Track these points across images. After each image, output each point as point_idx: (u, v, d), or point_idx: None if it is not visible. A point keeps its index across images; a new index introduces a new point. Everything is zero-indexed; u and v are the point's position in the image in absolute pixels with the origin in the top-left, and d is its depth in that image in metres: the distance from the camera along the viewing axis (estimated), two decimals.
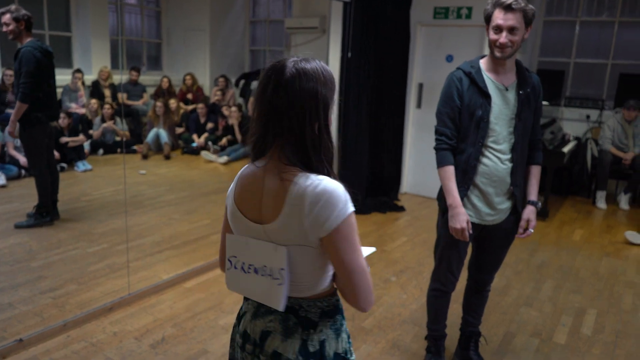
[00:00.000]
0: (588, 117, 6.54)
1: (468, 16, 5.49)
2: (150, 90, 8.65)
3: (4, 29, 4.03)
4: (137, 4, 9.26)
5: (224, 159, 7.22)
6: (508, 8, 2.10)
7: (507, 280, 3.85)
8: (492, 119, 2.23)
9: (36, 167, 4.32)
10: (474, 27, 5.46)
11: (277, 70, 1.17)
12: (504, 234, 2.43)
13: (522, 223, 2.38)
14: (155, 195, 5.52)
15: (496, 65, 2.24)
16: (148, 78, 8.88)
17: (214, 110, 8.19)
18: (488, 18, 2.19)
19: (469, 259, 2.63)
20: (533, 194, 2.40)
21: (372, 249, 1.43)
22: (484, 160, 2.27)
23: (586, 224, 5.40)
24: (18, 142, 5.85)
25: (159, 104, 7.55)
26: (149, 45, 9.52)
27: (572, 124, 6.61)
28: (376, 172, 5.69)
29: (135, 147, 7.49)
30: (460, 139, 2.30)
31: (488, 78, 2.25)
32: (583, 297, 3.62)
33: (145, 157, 7.19)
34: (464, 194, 2.30)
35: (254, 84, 8.64)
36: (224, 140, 7.67)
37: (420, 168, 6.00)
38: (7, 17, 3.98)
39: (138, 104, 8.31)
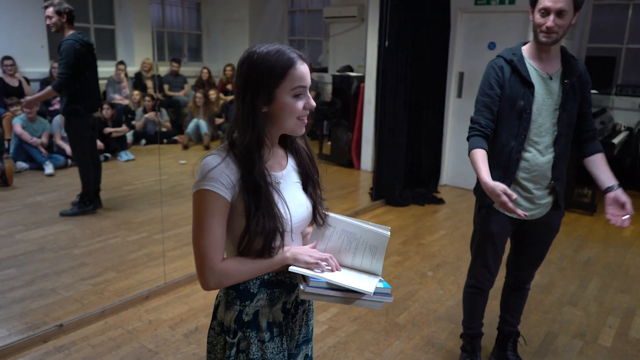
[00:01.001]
0: None
1: (512, 1, 5.27)
2: (191, 82, 8.77)
3: (47, 21, 4.13)
4: None
5: None
6: None
7: (551, 278, 3.70)
8: (535, 110, 2.10)
9: (79, 158, 4.45)
10: (518, 12, 5.24)
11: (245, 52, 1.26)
12: (544, 229, 2.31)
13: (610, 210, 2.04)
14: None
15: (540, 52, 2.11)
16: (189, 69, 9.01)
17: None
18: (534, 0, 2.04)
19: (508, 256, 2.51)
20: (611, 177, 2.10)
21: (383, 232, 1.34)
22: (525, 154, 2.15)
23: (638, 219, 5.12)
24: (65, 133, 6.05)
25: (199, 95, 7.64)
26: (190, 37, 9.64)
27: (624, 113, 6.27)
28: (414, 163, 5.57)
29: (176, 138, 7.62)
30: (500, 131, 2.17)
31: (531, 66, 2.12)
32: (632, 297, 3.44)
33: (185, 147, 7.31)
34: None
35: None
36: None
37: (460, 159, 5.84)
38: (50, 11, 4.08)
39: (179, 95, 8.45)
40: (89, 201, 4.46)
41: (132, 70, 8.07)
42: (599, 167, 2.16)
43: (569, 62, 2.13)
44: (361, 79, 6.56)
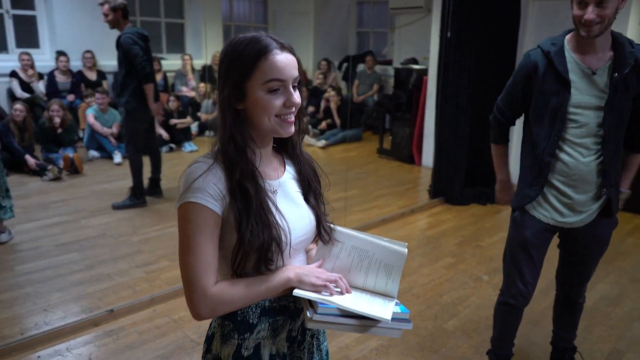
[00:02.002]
0: None
1: None
2: None
3: (104, 19, 4.23)
4: None
5: (322, 142, 7.23)
6: None
7: (621, 289, 3.40)
8: (572, 109, 1.89)
9: (132, 152, 4.52)
10: None
11: None
12: (591, 239, 2.07)
13: None
14: None
15: (583, 44, 1.88)
16: None
17: (315, 94, 8.21)
18: None
19: (557, 268, 2.30)
20: (624, 184, 2.05)
21: (400, 249, 1.20)
22: (562, 155, 1.95)
23: None
24: None
25: None
26: (256, 30, 9.77)
27: None
28: (476, 160, 5.32)
29: None
30: (533, 130, 2.01)
31: (572, 59, 1.90)
32: None
33: None
34: (536, 193, 2.01)
35: (360, 67, 8.53)
36: (323, 124, 7.67)
37: None
38: (105, 8, 4.16)
39: None
40: (140, 194, 4.55)
41: (199, 63, 8.29)
42: (625, 168, 2.07)
43: (622, 52, 1.86)
44: (424, 72, 6.36)
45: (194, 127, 7.20)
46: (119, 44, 4.25)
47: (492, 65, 5.07)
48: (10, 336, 2.58)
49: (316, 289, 1.11)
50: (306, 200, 1.23)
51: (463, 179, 5.14)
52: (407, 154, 6.54)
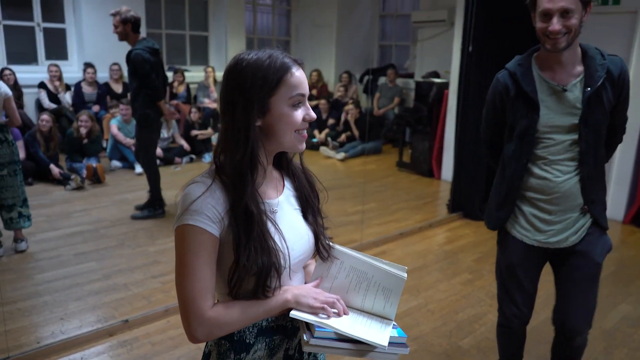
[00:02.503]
0: None
1: (616, 1, 4.80)
2: None
3: (113, 30, 4.20)
4: (270, 3, 9.64)
5: (342, 155, 7.23)
6: None
7: None
8: (543, 128, 1.83)
9: (148, 163, 4.55)
10: (624, 14, 4.77)
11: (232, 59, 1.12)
12: (581, 259, 1.93)
13: None
14: None
15: (551, 60, 1.81)
16: None
17: (336, 106, 8.24)
18: (533, 3, 1.75)
19: (555, 299, 2.11)
20: None
21: (399, 274, 1.18)
22: (539, 172, 1.88)
23: None
24: None
25: None
26: (279, 43, 9.87)
27: None
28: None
29: None
30: (505, 150, 1.97)
31: (540, 77, 1.83)
32: None
33: None
34: (507, 216, 1.97)
35: (381, 80, 8.53)
36: (342, 137, 7.67)
37: None
38: (116, 20, 4.14)
39: None
40: (158, 205, 4.59)
41: (221, 75, 8.40)
42: None
43: (592, 64, 1.79)
44: (445, 86, 6.32)
45: (214, 138, 7.28)
46: (129, 59, 4.23)
47: None
48: (27, 344, 2.62)
49: (314, 310, 1.10)
50: (304, 217, 1.21)
51: (482, 194, 5.06)
52: (427, 167, 6.49)
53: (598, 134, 1.84)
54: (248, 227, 1.06)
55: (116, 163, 6.21)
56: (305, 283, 1.23)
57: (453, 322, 3.07)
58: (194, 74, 8.22)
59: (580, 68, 1.81)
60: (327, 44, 9.31)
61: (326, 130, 7.95)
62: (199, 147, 6.74)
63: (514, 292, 2.07)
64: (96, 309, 3.00)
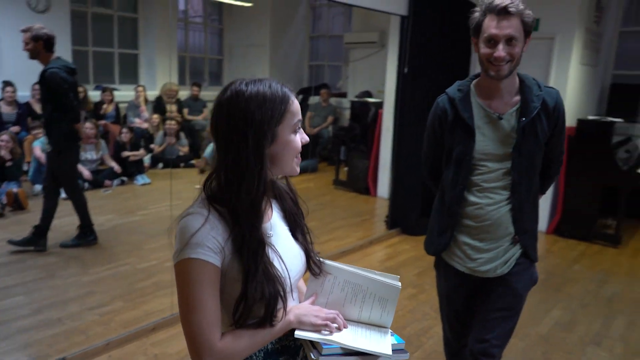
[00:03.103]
0: None
1: (535, 28, 5.17)
2: (211, 106, 8.84)
3: (23, 48, 3.90)
4: (202, 21, 9.54)
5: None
6: (504, 12, 1.68)
7: (573, 315, 3.52)
8: (479, 155, 1.83)
9: (73, 190, 4.27)
10: (543, 39, 5.16)
11: (222, 90, 1.12)
12: (507, 290, 1.91)
13: None
14: None
15: (490, 88, 1.82)
16: (209, 93, 9.10)
17: None
18: (477, 29, 1.76)
19: (473, 325, 2.06)
20: None
21: (393, 283, 1.22)
22: (473, 199, 1.87)
23: None
24: (83, 156, 6.11)
25: None
26: (211, 62, 9.77)
27: None
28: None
29: (193, 162, 7.64)
30: (443, 176, 1.97)
31: (477, 104, 1.84)
32: None
33: (202, 171, 7.31)
34: (447, 242, 1.94)
35: (312, 100, 8.64)
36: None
37: None
38: (26, 36, 3.85)
39: (198, 119, 8.51)
40: (89, 231, 4.33)
41: (153, 94, 8.18)
42: None
43: (528, 95, 1.81)
44: (379, 105, 6.51)
45: (147, 160, 7.04)
46: (43, 78, 3.91)
47: None
48: None
49: (316, 328, 1.13)
50: (294, 236, 1.24)
51: (420, 210, 5.23)
52: (363, 185, 6.62)
53: (532, 164, 1.85)
54: (256, 256, 1.07)
55: (39, 187, 5.82)
56: (299, 300, 1.25)
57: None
58: (124, 93, 7.93)
59: (517, 97, 1.83)
60: (261, 63, 9.33)
61: None
62: (130, 169, 6.48)
63: (449, 318, 2.10)
64: (28, 348, 2.78)
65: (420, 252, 4.71)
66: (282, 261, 1.13)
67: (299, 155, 1.16)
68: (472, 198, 1.87)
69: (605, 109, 6.28)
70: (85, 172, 5.95)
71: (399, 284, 1.23)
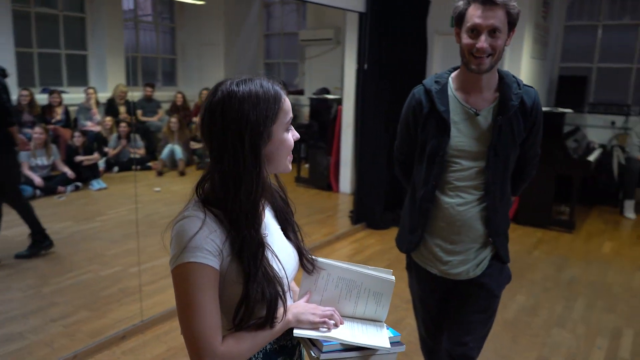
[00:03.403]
0: (613, 123, 6.32)
1: None
2: (166, 106, 8.65)
3: None
4: (152, 20, 9.30)
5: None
6: (489, 2, 1.59)
7: (536, 299, 3.66)
8: (453, 152, 1.74)
9: (15, 198, 4.06)
10: None
11: (211, 92, 1.09)
12: (482, 291, 1.86)
13: None
14: (171, 213, 5.32)
15: (469, 82, 1.74)
16: (163, 94, 8.89)
17: None
18: (460, 18, 1.66)
19: (446, 326, 2.02)
20: None
21: (387, 277, 1.23)
22: (444, 199, 1.79)
23: (615, 235, 5.18)
24: (34, 162, 5.85)
25: (173, 120, 7.52)
26: (164, 61, 9.54)
27: (597, 130, 6.39)
28: (395, 185, 5.53)
29: (150, 164, 7.45)
30: (414, 172, 1.89)
31: (455, 99, 1.75)
32: (618, 316, 3.42)
33: (160, 173, 7.14)
34: (418, 240, 1.86)
35: None
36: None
37: None
38: None
39: (153, 120, 8.30)
40: (42, 237, 4.12)
41: (104, 95, 7.91)
42: None
43: (507, 93, 1.73)
44: (339, 102, 6.54)
45: (102, 164, 6.81)
46: None
47: (405, 95, 5.33)
48: None
49: (315, 326, 1.13)
50: (285, 234, 1.23)
51: (383, 204, 5.30)
52: (325, 181, 6.64)
53: (506, 164, 1.78)
54: (256, 258, 1.05)
55: None
56: (292, 299, 1.24)
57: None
58: (73, 96, 7.63)
59: (495, 94, 1.75)
60: (216, 62, 9.18)
61: None
62: (85, 174, 6.24)
63: (423, 318, 2.06)
64: None
65: (387, 245, 4.78)
66: (279, 261, 1.13)
67: (291, 152, 1.16)
68: (443, 197, 1.79)
69: (554, 100, 6.56)
70: (36, 178, 5.70)
71: (393, 277, 1.24)
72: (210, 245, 1.03)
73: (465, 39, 1.65)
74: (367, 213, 5.22)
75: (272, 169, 1.14)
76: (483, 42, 1.61)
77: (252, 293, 1.04)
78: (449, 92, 1.77)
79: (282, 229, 1.24)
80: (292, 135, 1.14)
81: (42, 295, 3.45)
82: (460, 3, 1.67)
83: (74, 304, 3.32)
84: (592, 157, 5.41)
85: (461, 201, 1.77)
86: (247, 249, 1.05)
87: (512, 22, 1.64)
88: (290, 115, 1.12)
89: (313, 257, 1.23)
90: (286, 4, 9.30)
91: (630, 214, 5.73)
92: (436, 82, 1.80)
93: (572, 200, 5.25)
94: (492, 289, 1.86)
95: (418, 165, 1.86)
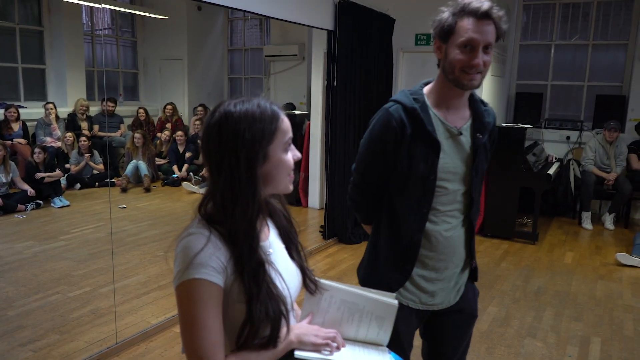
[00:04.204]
0: (568, 138, 6.63)
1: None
2: (128, 121, 8.47)
3: None
4: (113, 34, 9.13)
5: (205, 189, 7.04)
6: (485, 16, 1.45)
7: (507, 310, 3.77)
8: (441, 174, 1.59)
9: None
10: None
11: (210, 113, 1.11)
12: (463, 317, 1.77)
13: None
14: (138, 231, 5.31)
15: (449, 99, 1.59)
16: (125, 109, 8.71)
17: (193, 141, 8.03)
18: (449, 31, 1.50)
19: (422, 349, 1.91)
20: None
21: (390, 301, 1.23)
22: (430, 227, 1.63)
23: (575, 245, 5.40)
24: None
25: (137, 135, 7.37)
26: (126, 76, 9.36)
27: (553, 145, 6.68)
28: (360, 221, 5.60)
29: (113, 180, 7.26)
30: (396, 202, 1.64)
31: (436, 117, 1.59)
32: (585, 325, 3.56)
33: (124, 190, 6.97)
34: (405, 277, 1.65)
35: None
36: (204, 171, 7.49)
37: None
38: None
39: (115, 135, 8.11)
40: None
41: (64, 110, 7.68)
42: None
43: (479, 110, 1.63)
44: (307, 117, 6.58)
45: (63, 180, 6.59)
46: None
47: (373, 110, 5.43)
48: None
49: (317, 348, 1.13)
50: (289, 254, 1.23)
51: (354, 219, 5.35)
52: (294, 196, 6.65)
53: (482, 183, 1.73)
54: (257, 277, 1.05)
55: None
56: (302, 322, 1.24)
57: None
58: (30, 111, 7.37)
59: (468, 112, 1.64)
60: (179, 77, 9.09)
61: (186, 166, 7.71)
62: (46, 191, 6.02)
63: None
64: None
65: (359, 259, 4.78)
66: (283, 280, 1.13)
67: (292, 172, 1.16)
68: (428, 225, 1.63)
69: (512, 116, 6.83)
70: (30, 188, 5.48)
71: (396, 302, 1.24)
72: (215, 263, 1.03)
73: (457, 55, 1.48)
74: (338, 228, 5.26)
75: (271, 188, 1.14)
76: (479, 58, 1.47)
77: (255, 312, 1.04)
78: (429, 111, 1.59)
79: (286, 248, 1.24)
80: (292, 155, 1.14)
81: (7, 318, 3.29)
82: (444, 15, 1.51)
83: (43, 327, 3.19)
84: (551, 171, 5.64)
85: (448, 227, 1.65)
86: (248, 268, 1.05)
87: (497, 38, 1.51)
88: (290, 135, 1.13)
89: (316, 278, 1.24)
90: (249, 20, 9.33)
91: (587, 224, 5.99)
92: (415, 99, 1.59)
93: (534, 213, 5.44)
94: (471, 312, 1.79)
95: (397, 196, 1.64)
